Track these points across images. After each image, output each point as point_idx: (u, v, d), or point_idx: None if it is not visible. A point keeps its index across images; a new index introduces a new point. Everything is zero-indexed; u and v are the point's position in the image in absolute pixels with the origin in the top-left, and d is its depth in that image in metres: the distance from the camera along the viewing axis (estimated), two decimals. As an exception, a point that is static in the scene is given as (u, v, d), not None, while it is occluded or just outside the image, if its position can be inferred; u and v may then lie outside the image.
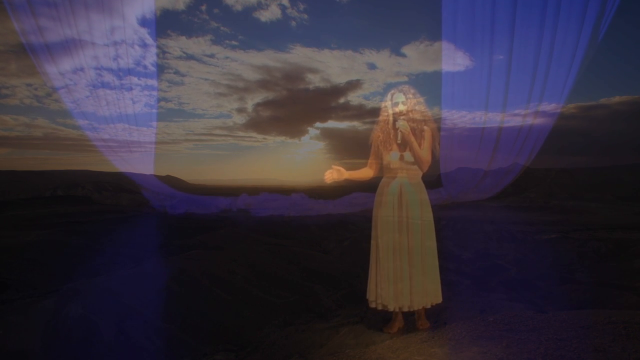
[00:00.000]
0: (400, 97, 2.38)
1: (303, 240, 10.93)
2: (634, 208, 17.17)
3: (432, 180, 2.52)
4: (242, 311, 5.14)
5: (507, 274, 8.13)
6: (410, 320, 2.50)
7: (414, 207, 2.32)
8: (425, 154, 2.34)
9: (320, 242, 11.27)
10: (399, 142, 2.37)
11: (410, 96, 2.38)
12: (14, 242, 7.56)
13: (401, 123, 2.31)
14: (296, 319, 5.10)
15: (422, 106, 2.40)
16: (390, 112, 2.40)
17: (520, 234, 11.41)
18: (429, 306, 2.33)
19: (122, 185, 25.53)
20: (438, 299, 2.36)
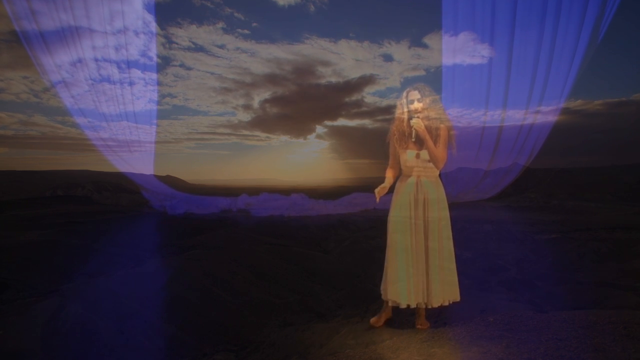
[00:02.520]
0: (416, 95, 2.39)
1: (303, 240, 10.93)
2: (634, 208, 17.16)
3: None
4: (242, 311, 5.14)
5: (507, 274, 8.13)
6: (410, 320, 2.50)
7: (430, 205, 2.33)
8: (440, 151, 2.34)
9: (320, 242, 11.27)
10: (413, 140, 2.38)
11: (426, 93, 2.39)
12: (14, 242, 7.56)
13: (414, 121, 2.32)
14: (296, 319, 5.10)
15: (437, 104, 2.40)
16: (406, 109, 2.41)
17: (520, 234, 11.40)
18: (447, 304, 2.33)
19: (122, 185, 25.52)
20: (456, 296, 2.36)
